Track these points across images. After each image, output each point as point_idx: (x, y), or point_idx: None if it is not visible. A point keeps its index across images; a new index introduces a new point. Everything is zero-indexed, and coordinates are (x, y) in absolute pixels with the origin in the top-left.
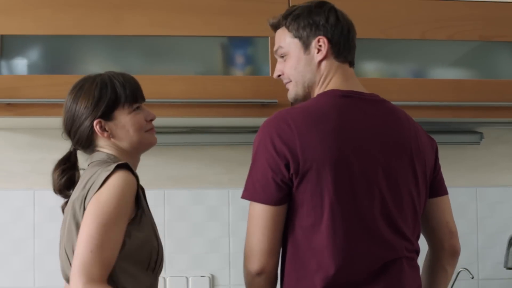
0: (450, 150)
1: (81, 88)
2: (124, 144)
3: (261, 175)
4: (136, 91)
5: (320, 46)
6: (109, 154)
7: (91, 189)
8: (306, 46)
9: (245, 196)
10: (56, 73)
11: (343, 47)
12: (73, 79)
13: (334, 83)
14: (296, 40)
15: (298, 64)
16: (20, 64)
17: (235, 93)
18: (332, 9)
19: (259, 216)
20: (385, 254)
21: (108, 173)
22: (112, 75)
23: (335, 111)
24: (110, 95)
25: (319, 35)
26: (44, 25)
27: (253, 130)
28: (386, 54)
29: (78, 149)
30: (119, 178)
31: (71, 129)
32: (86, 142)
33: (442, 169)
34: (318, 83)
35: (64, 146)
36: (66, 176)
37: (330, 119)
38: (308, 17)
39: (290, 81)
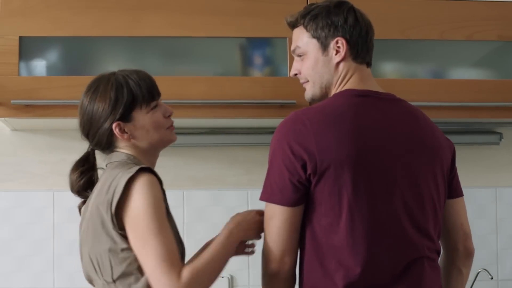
0: (469, 150)
1: (97, 90)
2: (144, 143)
3: (278, 176)
4: (152, 88)
5: (338, 47)
6: (129, 154)
7: (115, 193)
8: (324, 47)
9: (263, 197)
10: (74, 75)
11: (361, 48)
12: None
13: (351, 84)
14: (314, 41)
15: (316, 65)
16: (39, 66)
17: (253, 94)
18: (351, 9)
19: (276, 217)
20: (407, 253)
21: (130, 175)
22: (126, 75)
23: (352, 110)
24: (127, 97)
25: (338, 36)
26: (62, 26)
27: (272, 130)
28: (404, 54)
29: (96, 150)
30: (146, 181)
31: (89, 131)
32: (105, 144)
33: (461, 170)
34: (336, 84)
35: (83, 147)
36: (85, 178)
37: (347, 118)
38: (327, 18)
39: (307, 81)
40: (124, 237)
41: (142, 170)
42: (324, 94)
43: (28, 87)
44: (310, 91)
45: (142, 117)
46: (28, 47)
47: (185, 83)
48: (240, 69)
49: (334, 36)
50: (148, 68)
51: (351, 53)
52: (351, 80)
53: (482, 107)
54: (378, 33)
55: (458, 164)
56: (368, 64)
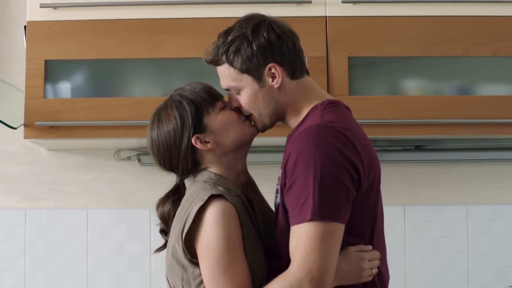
0: (499, 167)
1: (159, 118)
2: (229, 146)
3: (340, 191)
4: (210, 90)
5: (273, 73)
6: (216, 174)
7: (186, 223)
8: (258, 78)
9: (329, 218)
10: (98, 96)
11: (295, 63)
12: (115, 101)
13: (309, 99)
14: (245, 75)
15: (256, 99)
16: (64, 88)
17: None
18: (269, 28)
19: (337, 236)
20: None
21: (201, 203)
22: (179, 91)
23: (358, 125)
24: (190, 107)
25: (268, 63)
26: (86, 50)
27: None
28: (429, 71)
29: (184, 178)
30: (219, 211)
31: (171, 161)
32: (192, 166)
33: (491, 186)
34: (288, 107)
35: (116, 165)
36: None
37: (364, 134)
38: (249, 48)
39: (251, 114)
40: (197, 264)
41: (215, 197)
42: (275, 120)
43: (53, 109)
44: (260, 123)
45: (215, 120)
46: (53, 70)
47: None
48: None
49: (264, 64)
50: (172, 89)
51: (287, 73)
52: (306, 97)
53: (510, 124)
54: (400, 50)
55: (487, 181)
56: (307, 73)
